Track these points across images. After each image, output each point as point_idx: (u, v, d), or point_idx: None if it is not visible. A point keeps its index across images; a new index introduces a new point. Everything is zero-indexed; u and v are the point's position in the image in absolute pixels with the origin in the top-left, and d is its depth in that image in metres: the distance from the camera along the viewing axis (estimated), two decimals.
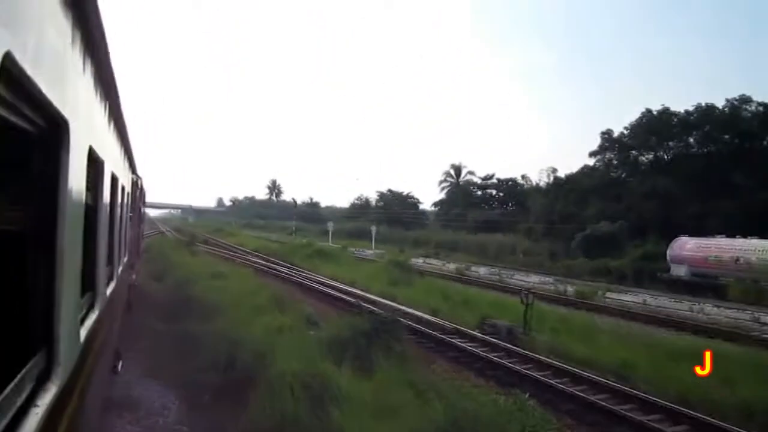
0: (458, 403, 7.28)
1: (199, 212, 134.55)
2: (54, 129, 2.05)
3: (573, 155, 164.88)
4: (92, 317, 3.52)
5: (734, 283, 28.57)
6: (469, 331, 13.53)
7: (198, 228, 71.23)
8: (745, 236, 30.89)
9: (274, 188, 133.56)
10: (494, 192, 79.07)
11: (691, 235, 34.33)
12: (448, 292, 20.00)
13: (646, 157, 53.27)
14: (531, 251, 50.97)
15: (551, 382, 9.82)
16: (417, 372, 9.51)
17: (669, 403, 8.92)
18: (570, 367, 10.69)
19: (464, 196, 78.53)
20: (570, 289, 25.51)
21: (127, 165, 7.84)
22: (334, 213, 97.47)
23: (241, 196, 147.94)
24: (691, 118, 49.38)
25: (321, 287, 20.83)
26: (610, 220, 45.58)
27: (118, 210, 6.09)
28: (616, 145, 54.60)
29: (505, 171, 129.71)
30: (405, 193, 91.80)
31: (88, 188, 2.89)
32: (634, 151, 53.64)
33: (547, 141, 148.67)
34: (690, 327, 17.40)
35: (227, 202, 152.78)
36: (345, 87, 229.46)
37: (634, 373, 10.64)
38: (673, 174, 46.56)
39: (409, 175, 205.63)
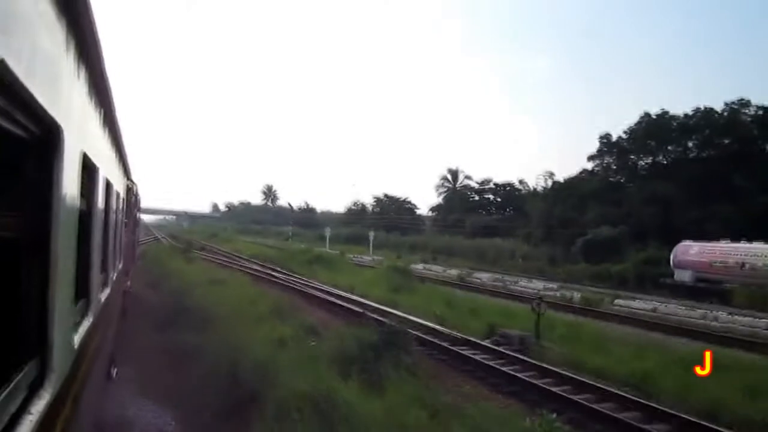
0: (480, 425, 6.72)
1: (194, 218, 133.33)
2: (47, 135, 2.04)
3: (569, 159, 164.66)
4: (86, 324, 3.53)
5: (740, 289, 28.19)
6: (480, 342, 12.96)
7: (193, 234, 70.45)
8: (747, 240, 30.51)
9: (270, 193, 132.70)
10: (491, 197, 78.93)
11: (692, 239, 34.01)
12: (452, 299, 19.58)
13: (645, 162, 53.14)
14: (530, 256, 50.63)
15: (574, 398, 9.23)
16: (430, 388, 8.99)
17: (701, 421, 8.35)
18: (591, 381, 10.14)
19: (461, 201, 78.36)
20: (576, 295, 24.98)
21: (121, 171, 7.87)
22: (330, 218, 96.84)
23: (236, 202, 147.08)
24: (690, 122, 49.27)
25: (321, 294, 20.33)
26: (611, 225, 45.27)
27: (113, 216, 6.08)
28: (615, 150, 54.41)
29: (501, 175, 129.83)
30: (401, 198, 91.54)
31: (82, 194, 2.90)
32: (632, 156, 53.47)
33: (542, 145, 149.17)
34: (703, 336, 16.82)
35: (222, 208, 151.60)
36: (341, 91, 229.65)
37: (655, 385, 10.17)
38: (673, 178, 46.35)
39: (405, 180, 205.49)
